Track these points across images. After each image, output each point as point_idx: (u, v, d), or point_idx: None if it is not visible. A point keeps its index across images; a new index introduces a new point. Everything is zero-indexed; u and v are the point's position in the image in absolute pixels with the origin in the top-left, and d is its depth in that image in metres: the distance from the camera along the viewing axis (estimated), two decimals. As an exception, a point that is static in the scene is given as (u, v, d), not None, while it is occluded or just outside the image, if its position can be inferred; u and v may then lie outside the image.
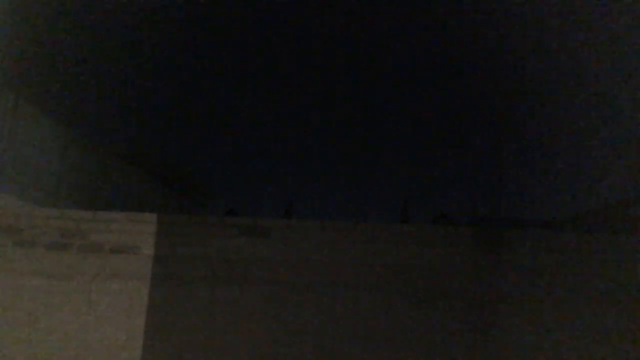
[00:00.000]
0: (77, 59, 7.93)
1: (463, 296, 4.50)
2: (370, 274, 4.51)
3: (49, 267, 4.42)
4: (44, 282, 4.38)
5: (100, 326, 4.31)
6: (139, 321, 4.34)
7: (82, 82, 8.27)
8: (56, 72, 7.53)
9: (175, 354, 4.31)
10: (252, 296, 4.45)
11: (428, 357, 4.36)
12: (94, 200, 8.31)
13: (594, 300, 4.36)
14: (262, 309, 4.42)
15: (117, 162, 9.59)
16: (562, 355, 4.29)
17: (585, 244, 4.46)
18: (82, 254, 4.47)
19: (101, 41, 8.08)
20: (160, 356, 4.29)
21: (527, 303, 4.31)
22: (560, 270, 4.42)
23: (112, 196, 8.98)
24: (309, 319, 4.42)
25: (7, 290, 4.33)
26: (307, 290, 4.48)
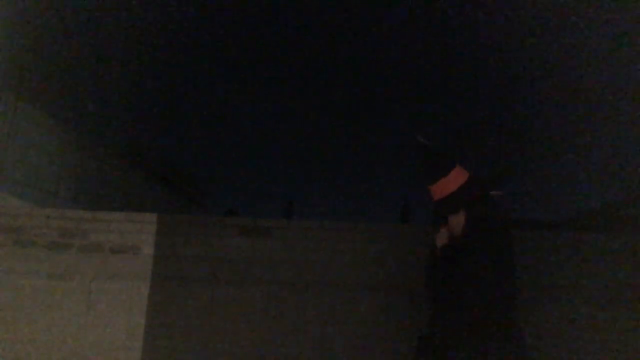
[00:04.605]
0: (76, 59, 7.93)
1: (463, 296, 4.49)
2: (370, 274, 4.51)
3: (49, 267, 4.42)
4: (44, 282, 4.37)
5: (100, 326, 4.31)
6: (139, 321, 4.34)
7: (82, 82, 8.26)
8: (56, 73, 7.53)
9: (175, 354, 4.31)
10: (252, 296, 4.45)
11: (428, 357, 4.35)
12: (94, 200, 8.30)
13: (594, 300, 4.36)
14: (262, 309, 4.42)
15: (117, 162, 9.58)
16: (561, 355, 4.29)
17: (585, 244, 4.47)
18: (82, 254, 4.47)
19: (101, 41, 8.08)
20: (160, 356, 4.29)
21: (527, 303, 4.31)
22: (560, 270, 4.42)
23: (112, 196, 8.97)
24: (309, 319, 4.42)
25: (6, 290, 4.33)
26: (307, 290, 4.48)
